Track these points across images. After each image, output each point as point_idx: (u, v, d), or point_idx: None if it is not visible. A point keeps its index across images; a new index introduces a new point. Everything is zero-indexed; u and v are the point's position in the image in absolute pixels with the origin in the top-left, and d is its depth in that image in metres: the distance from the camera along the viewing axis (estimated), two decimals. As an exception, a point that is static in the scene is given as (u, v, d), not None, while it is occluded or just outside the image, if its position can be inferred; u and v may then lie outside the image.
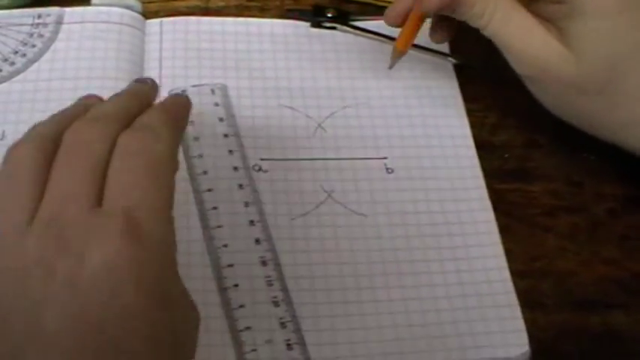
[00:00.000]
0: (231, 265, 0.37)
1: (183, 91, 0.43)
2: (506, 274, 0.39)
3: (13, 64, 0.43)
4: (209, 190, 0.39)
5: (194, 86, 0.43)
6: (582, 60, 0.38)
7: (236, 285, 0.36)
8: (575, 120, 0.40)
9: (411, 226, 0.40)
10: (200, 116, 0.42)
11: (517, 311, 0.37)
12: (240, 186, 0.40)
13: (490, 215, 0.40)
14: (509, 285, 0.38)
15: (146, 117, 0.32)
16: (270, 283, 0.37)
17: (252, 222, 0.38)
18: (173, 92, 0.42)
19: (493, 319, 0.37)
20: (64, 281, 0.26)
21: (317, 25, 0.47)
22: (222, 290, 0.36)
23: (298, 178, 0.40)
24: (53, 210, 0.27)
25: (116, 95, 0.34)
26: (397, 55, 0.43)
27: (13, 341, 0.26)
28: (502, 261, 0.39)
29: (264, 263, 0.37)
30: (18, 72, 0.42)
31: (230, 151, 0.41)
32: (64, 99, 0.41)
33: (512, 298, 0.38)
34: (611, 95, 0.38)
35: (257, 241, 0.38)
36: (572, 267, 0.39)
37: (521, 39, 0.39)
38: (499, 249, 0.39)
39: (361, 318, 0.36)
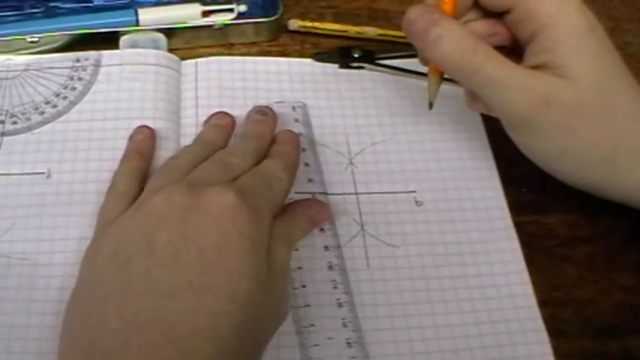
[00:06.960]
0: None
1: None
2: (532, 300, 0.40)
3: (55, 106, 0.44)
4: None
5: (277, 102, 0.46)
6: (577, 79, 0.37)
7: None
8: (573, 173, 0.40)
9: (440, 256, 0.41)
10: None
11: (544, 336, 0.39)
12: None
13: (515, 244, 0.42)
14: (536, 311, 0.39)
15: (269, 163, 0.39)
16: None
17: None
18: (257, 107, 0.44)
19: (520, 344, 0.38)
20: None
21: (345, 66, 0.48)
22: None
23: (332, 212, 0.42)
24: None
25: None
26: (435, 83, 0.41)
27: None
28: (528, 288, 0.40)
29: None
30: (60, 114, 0.44)
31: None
32: (105, 138, 0.43)
33: (539, 324, 0.39)
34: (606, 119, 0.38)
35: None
36: (591, 295, 0.41)
37: (518, 75, 0.38)
38: (525, 276, 0.41)
39: (394, 345, 0.38)
